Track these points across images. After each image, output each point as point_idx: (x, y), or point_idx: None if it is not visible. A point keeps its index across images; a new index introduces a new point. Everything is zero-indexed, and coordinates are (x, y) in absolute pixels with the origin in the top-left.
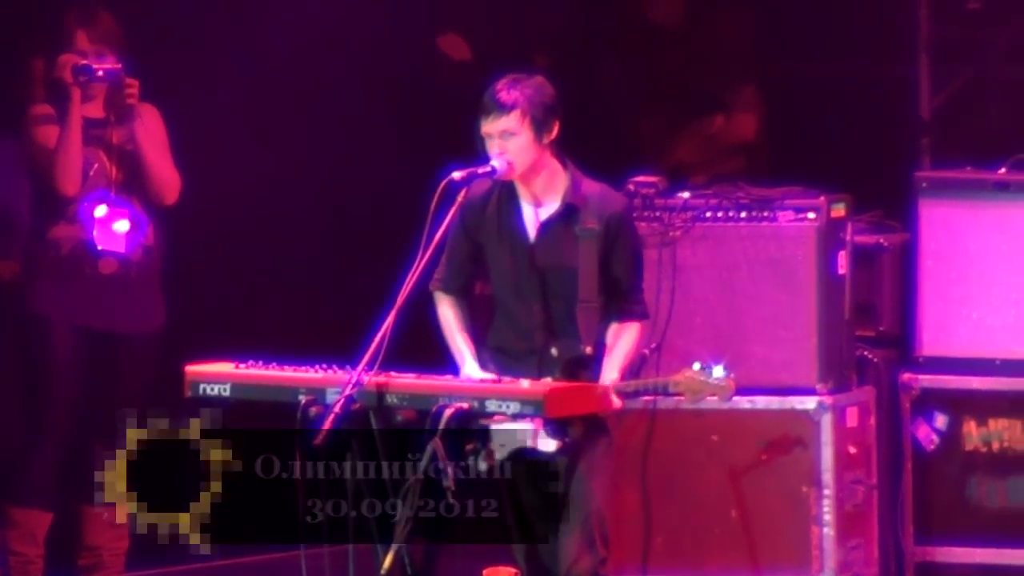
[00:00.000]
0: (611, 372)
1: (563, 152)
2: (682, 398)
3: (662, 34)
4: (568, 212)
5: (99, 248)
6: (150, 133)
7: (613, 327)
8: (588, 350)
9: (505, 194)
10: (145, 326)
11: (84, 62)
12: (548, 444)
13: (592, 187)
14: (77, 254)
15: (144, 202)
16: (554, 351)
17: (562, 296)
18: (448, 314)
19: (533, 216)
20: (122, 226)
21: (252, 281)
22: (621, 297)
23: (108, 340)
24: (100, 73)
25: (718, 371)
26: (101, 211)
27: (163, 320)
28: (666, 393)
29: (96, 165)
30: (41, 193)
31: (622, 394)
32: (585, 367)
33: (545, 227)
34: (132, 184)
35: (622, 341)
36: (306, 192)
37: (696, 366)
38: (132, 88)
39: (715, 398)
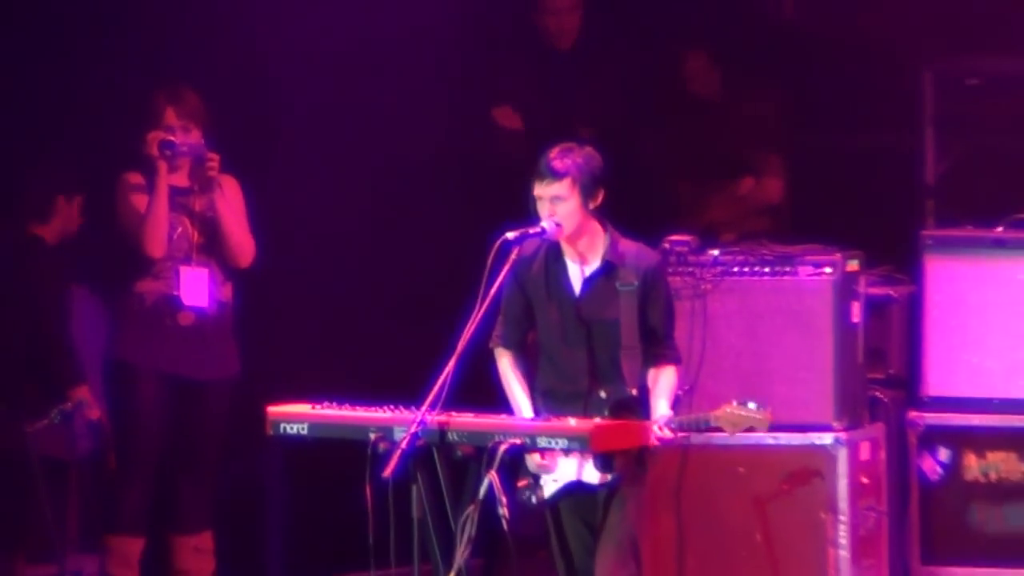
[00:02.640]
0: (662, 408)
1: (604, 213)
2: (724, 432)
3: (699, 106)
4: (609, 269)
5: (182, 302)
6: (229, 202)
7: (652, 371)
8: (634, 392)
9: (552, 253)
10: (222, 373)
11: (169, 138)
12: (593, 477)
13: (629, 246)
14: (160, 306)
15: (221, 264)
16: (602, 394)
17: (606, 344)
18: (507, 368)
19: (579, 273)
20: (202, 288)
21: (327, 332)
22: (657, 343)
23: (188, 385)
24: (184, 149)
25: (752, 405)
26: (185, 271)
27: (238, 368)
28: (707, 428)
29: (180, 229)
30: (128, 251)
31: (674, 427)
32: (631, 408)
33: (589, 283)
34: (211, 247)
35: (662, 381)
36: (375, 252)
37: (734, 403)
38: (213, 162)
39: (755, 429)
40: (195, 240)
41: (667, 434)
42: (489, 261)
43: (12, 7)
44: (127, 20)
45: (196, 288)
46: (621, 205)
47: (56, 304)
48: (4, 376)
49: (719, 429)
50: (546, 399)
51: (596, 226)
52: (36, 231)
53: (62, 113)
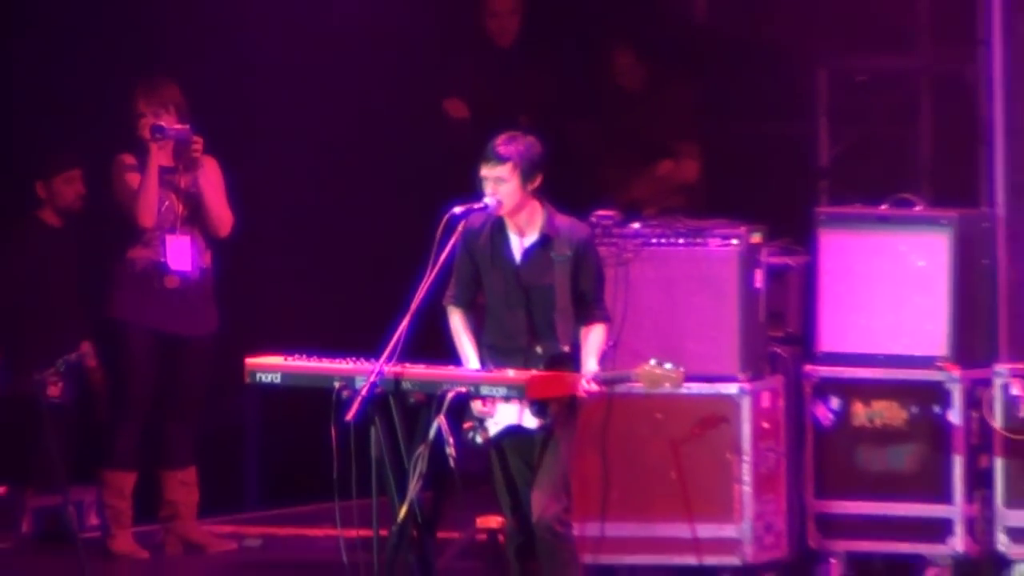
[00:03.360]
0: (591, 364)
1: (543, 190)
2: (641, 385)
3: (625, 97)
4: (545, 241)
5: (169, 267)
6: (210, 180)
7: (583, 329)
8: (567, 348)
9: (496, 226)
10: (203, 329)
11: (159, 123)
12: (531, 421)
13: (564, 221)
14: (149, 271)
15: (203, 233)
16: (539, 349)
17: (543, 307)
18: (458, 324)
19: (519, 244)
20: (185, 254)
21: (298, 293)
22: (589, 305)
23: (174, 340)
24: (172, 132)
25: (669, 365)
26: (171, 240)
27: (217, 325)
28: (628, 382)
29: (167, 203)
30: (122, 222)
31: (600, 381)
32: (564, 362)
33: (528, 253)
34: (194, 219)
35: (592, 338)
36: (341, 224)
37: (652, 361)
38: (197, 144)
39: (668, 386)
40: (180, 213)
41: (593, 388)
42: (439, 231)
43: (25, 13)
44: (121, 19)
45: (180, 255)
46: (556, 183)
47: (65, 272)
48: (17, 332)
49: (640, 383)
50: (491, 353)
51: (535, 204)
52: (40, 213)
53: (65, 101)
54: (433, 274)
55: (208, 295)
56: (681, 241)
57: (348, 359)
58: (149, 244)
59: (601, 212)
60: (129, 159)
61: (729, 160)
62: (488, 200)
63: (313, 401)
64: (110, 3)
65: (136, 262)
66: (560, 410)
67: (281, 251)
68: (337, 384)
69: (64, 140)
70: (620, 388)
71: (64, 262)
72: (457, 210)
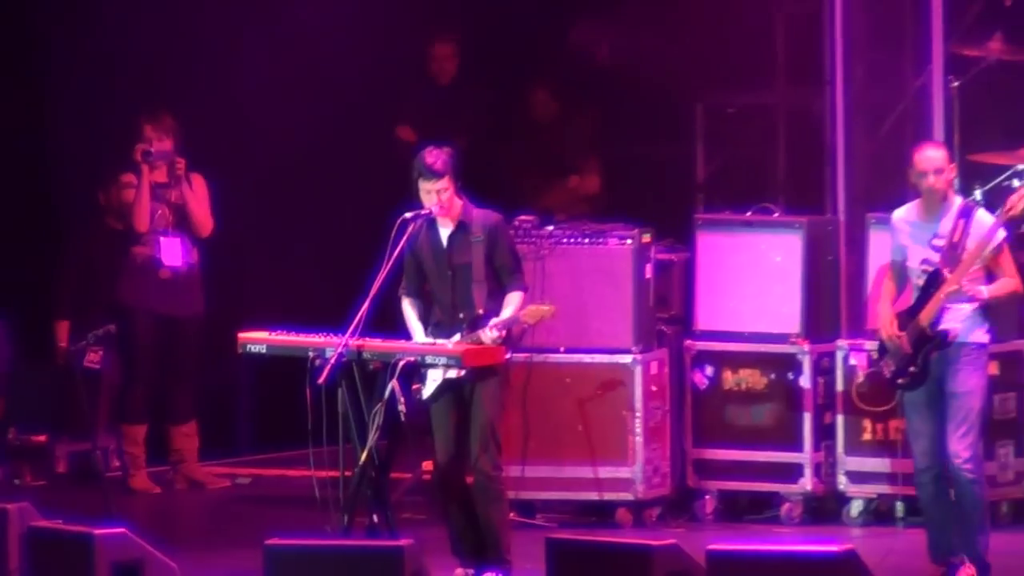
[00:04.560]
0: (504, 314)
1: (472, 197)
2: (529, 322)
3: (541, 125)
4: (464, 228)
5: (163, 262)
6: (196, 192)
7: (506, 296)
8: (480, 311)
9: (430, 223)
10: (193, 312)
11: (148, 148)
12: (453, 372)
13: (478, 212)
14: (147, 265)
15: (190, 235)
16: (461, 315)
17: (465, 280)
18: (408, 308)
19: (446, 233)
20: (176, 252)
21: (280, 282)
22: (507, 277)
23: (170, 320)
24: (158, 155)
25: (546, 304)
26: (164, 240)
27: (204, 308)
28: (517, 322)
29: (159, 211)
30: (126, 228)
31: (498, 325)
32: (479, 323)
33: (452, 239)
34: (182, 225)
35: (509, 299)
36: (313, 227)
37: (533, 304)
38: (180, 164)
39: (547, 315)
40: (170, 219)
41: (494, 333)
42: (393, 232)
43: (48, 58)
44: (126, 60)
45: (172, 252)
46: (488, 194)
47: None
48: (75, 313)
49: (527, 321)
50: (435, 329)
51: (457, 200)
52: (109, 221)
53: (101, 126)
54: (388, 266)
55: (196, 284)
56: (586, 240)
57: (320, 334)
58: (146, 244)
59: (523, 217)
60: (129, 178)
61: (624, 176)
62: (432, 208)
63: (292, 367)
64: (118, 44)
65: (137, 257)
66: (484, 372)
67: (269, 248)
68: (311, 354)
69: (113, 154)
70: (538, 357)
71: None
72: (408, 216)
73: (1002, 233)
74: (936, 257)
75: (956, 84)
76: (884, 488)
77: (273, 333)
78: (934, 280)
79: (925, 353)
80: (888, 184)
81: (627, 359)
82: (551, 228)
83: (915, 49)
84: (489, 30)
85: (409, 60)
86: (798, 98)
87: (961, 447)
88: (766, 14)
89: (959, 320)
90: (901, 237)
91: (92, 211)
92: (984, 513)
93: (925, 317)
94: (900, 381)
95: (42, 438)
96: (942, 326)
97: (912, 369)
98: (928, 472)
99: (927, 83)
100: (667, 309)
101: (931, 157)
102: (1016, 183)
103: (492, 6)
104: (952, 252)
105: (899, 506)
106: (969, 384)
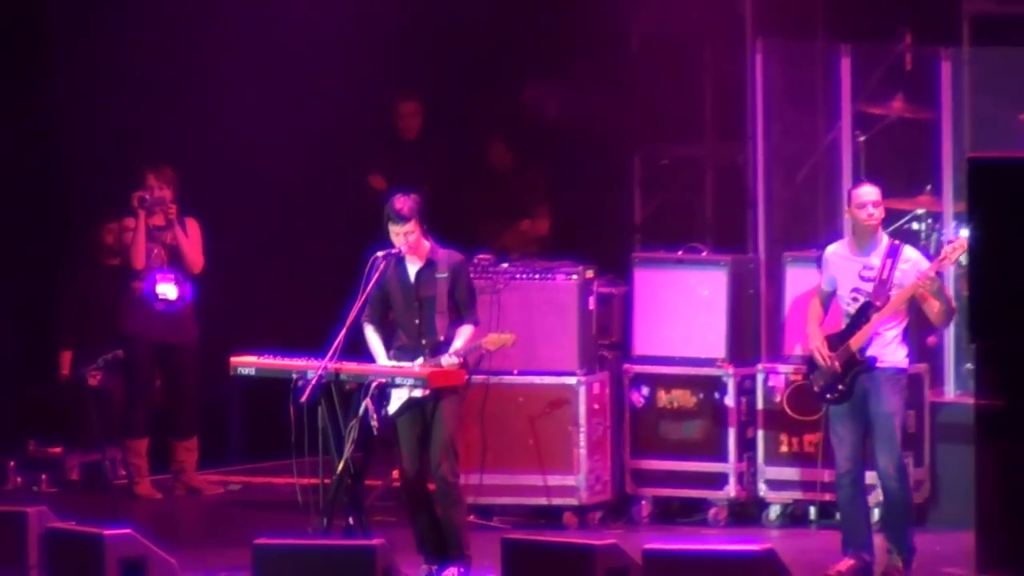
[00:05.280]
0: (456, 344)
1: (436, 237)
2: (491, 349)
3: (498, 174)
4: (431, 265)
5: (158, 296)
6: (189, 235)
7: (459, 328)
8: (441, 338)
9: (398, 260)
10: (187, 339)
11: (143, 195)
12: (417, 392)
13: (443, 251)
14: (145, 298)
15: (183, 272)
16: (424, 342)
17: (429, 312)
18: (372, 335)
19: (414, 270)
20: (170, 287)
21: (266, 312)
22: (463, 311)
23: (166, 347)
24: (152, 202)
25: (507, 333)
26: (160, 276)
27: (197, 336)
28: (478, 349)
29: (155, 251)
30: (124, 264)
31: (458, 353)
32: (440, 349)
33: (419, 275)
34: (175, 262)
35: (461, 331)
36: (293, 262)
37: (494, 333)
38: (172, 210)
39: (509, 343)
40: (165, 258)
41: (453, 359)
42: (366, 269)
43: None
44: (125, 117)
45: (167, 287)
46: (449, 235)
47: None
48: (79, 341)
49: (488, 348)
50: (398, 352)
51: (425, 241)
52: (107, 259)
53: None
54: (363, 298)
55: (189, 314)
56: (536, 276)
57: (302, 358)
58: (144, 279)
59: (481, 255)
60: (129, 222)
61: (571, 218)
62: (402, 248)
63: (278, 387)
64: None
65: (136, 291)
66: (446, 391)
67: (256, 283)
68: (294, 375)
69: (116, 197)
70: (493, 379)
71: (113, 291)
72: (379, 254)
73: (937, 281)
74: (868, 287)
75: (863, 138)
76: (799, 494)
77: (261, 357)
78: (865, 311)
79: (853, 374)
80: (803, 226)
81: (572, 380)
82: (506, 265)
83: (826, 107)
84: (451, 90)
85: (379, 115)
86: (724, 151)
87: (890, 464)
88: (696, 76)
89: (883, 346)
90: (832, 269)
91: (92, 249)
92: (911, 512)
93: (856, 343)
94: (829, 396)
95: (57, 450)
96: (870, 351)
97: (840, 387)
98: (848, 475)
99: (837, 137)
100: (608, 336)
101: (870, 192)
102: (953, 235)
103: (453, 68)
104: (882, 287)
105: (812, 510)
106: (892, 405)
